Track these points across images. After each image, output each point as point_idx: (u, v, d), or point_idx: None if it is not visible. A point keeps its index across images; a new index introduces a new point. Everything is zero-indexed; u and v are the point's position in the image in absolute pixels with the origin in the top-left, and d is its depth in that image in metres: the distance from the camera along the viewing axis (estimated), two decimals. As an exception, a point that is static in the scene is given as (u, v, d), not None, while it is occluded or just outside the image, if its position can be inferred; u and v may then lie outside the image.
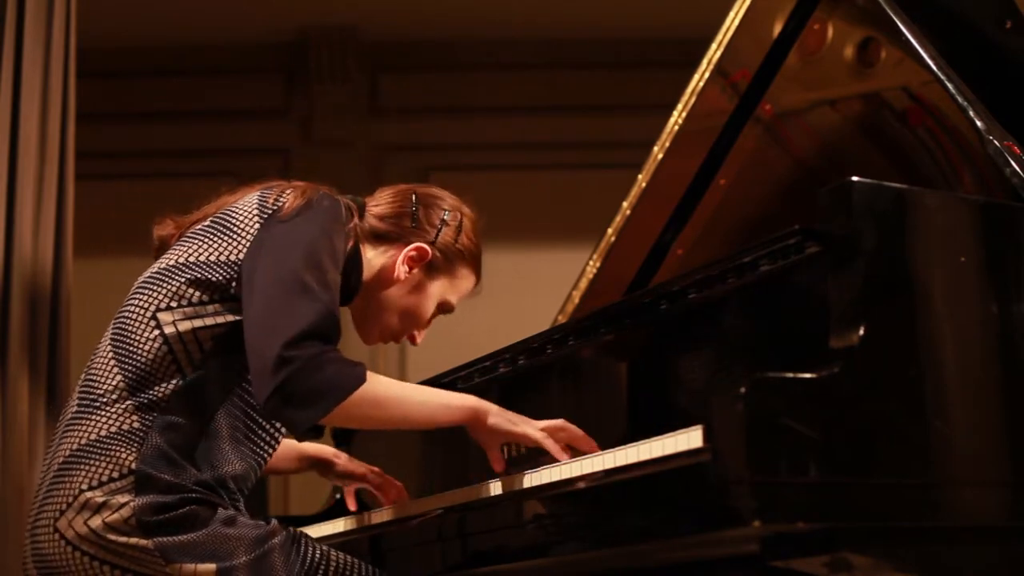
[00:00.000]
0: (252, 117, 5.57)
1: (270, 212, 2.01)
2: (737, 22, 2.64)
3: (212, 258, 1.99)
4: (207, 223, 2.06)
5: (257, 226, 2.00)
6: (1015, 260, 1.79)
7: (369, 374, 1.91)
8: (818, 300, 1.70)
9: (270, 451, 2.06)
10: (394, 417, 1.99)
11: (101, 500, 1.88)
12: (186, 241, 2.05)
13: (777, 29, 2.56)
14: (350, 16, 5.54)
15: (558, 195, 5.51)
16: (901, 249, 1.71)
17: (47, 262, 3.17)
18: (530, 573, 2.06)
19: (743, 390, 1.51)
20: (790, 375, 1.57)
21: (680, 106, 2.75)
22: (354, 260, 2.10)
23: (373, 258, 2.15)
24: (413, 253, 2.15)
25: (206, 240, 2.02)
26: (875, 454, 1.59)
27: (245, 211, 2.03)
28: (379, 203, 2.19)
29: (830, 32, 2.47)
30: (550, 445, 1.97)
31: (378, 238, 2.16)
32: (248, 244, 1.99)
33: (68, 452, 1.94)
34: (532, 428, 1.99)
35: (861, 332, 1.62)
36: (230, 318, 1.96)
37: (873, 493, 1.58)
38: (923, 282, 1.72)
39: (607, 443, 1.93)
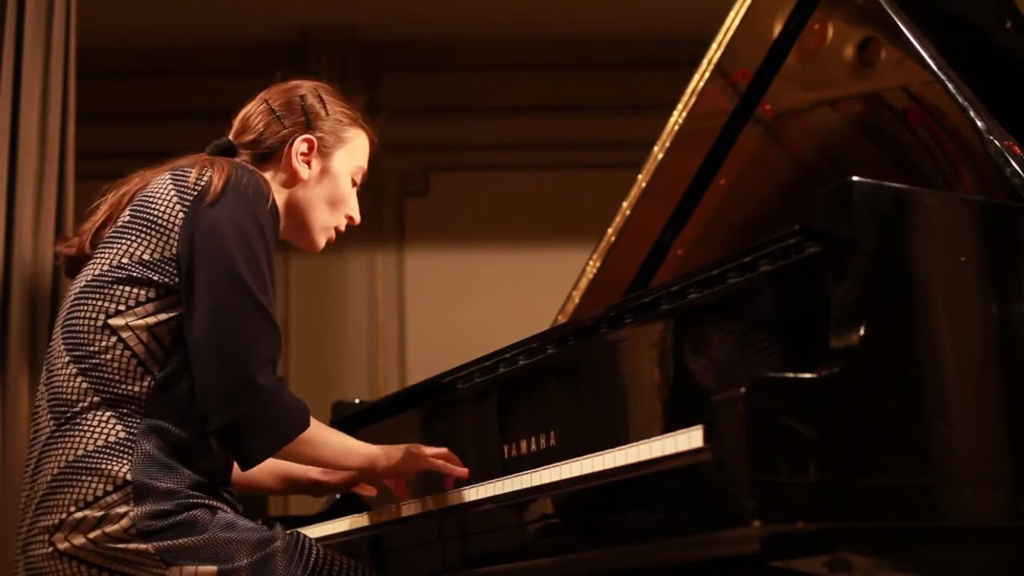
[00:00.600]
0: (252, 117, 5.56)
1: (192, 197, 1.99)
2: (737, 22, 2.64)
3: (147, 257, 1.97)
4: (127, 219, 2.03)
5: (181, 215, 1.98)
6: (1015, 260, 1.79)
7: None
8: (818, 300, 1.70)
9: None
10: (319, 457, 2.10)
11: (100, 514, 1.86)
12: (112, 242, 2.02)
13: (777, 29, 2.56)
14: (350, 16, 5.53)
15: (558, 195, 5.51)
16: (901, 249, 1.71)
17: (47, 262, 3.17)
18: (530, 573, 2.06)
19: (743, 390, 1.51)
20: (790, 375, 1.56)
21: (680, 106, 2.75)
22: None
23: (273, 179, 2.16)
24: (302, 147, 2.17)
25: (135, 238, 1.99)
26: (875, 454, 1.59)
27: (164, 200, 2.01)
28: (243, 130, 2.20)
29: (830, 32, 2.47)
30: (439, 465, 2.15)
31: (265, 159, 2.17)
32: (178, 236, 1.97)
33: (56, 470, 1.91)
34: (417, 460, 2.16)
35: (861, 332, 1.61)
36: (180, 310, 1.95)
37: (873, 493, 1.58)
38: (923, 282, 1.72)
39: (607, 443, 1.93)
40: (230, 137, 2.20)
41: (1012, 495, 1.71)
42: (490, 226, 5.55)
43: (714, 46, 2.68)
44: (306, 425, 1.98)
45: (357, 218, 2.26)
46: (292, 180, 2.17)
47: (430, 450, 2.18)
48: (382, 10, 5.44)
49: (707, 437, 1.55)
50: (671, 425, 1.95)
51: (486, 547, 1.98)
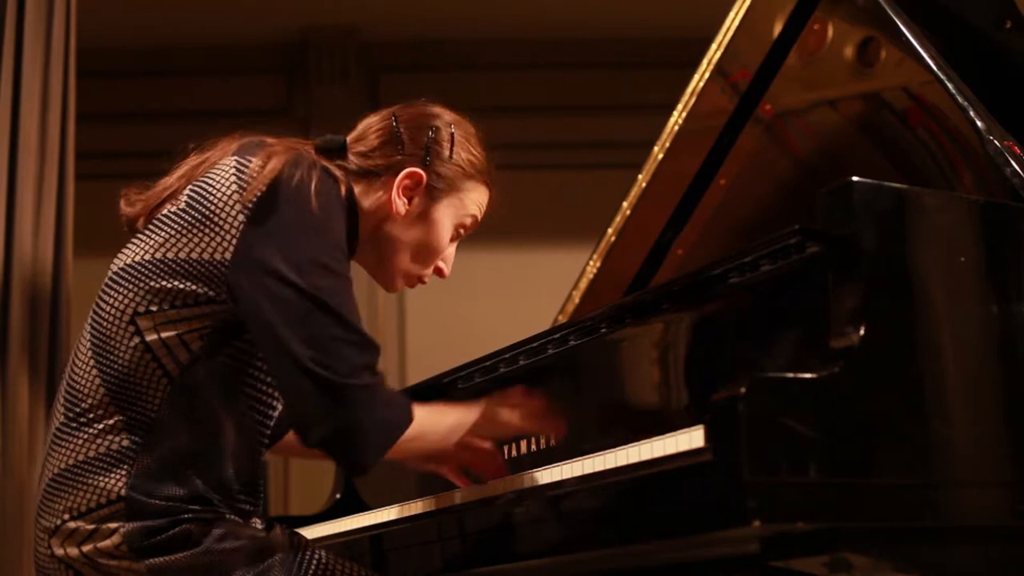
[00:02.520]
0: (252, 117, 5.55)
1: (257, 196, 1.82)
2: (737, 22, 2.63)
3: (194, 256, 1.82)
4: (182, 206, 1.87)
5: (241, 218, 1.82)
6: (1015, 260, 1.79)
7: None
8: (818, 300, 1.70)
9: (269, 429, 1.95)
10: (430, 447, 1.97)
11: (91, 528, 1.80)
12: (159, 228, 1.87)
13: (777, 29, 2.56)
14: (350, 16, 5.54)
15: (558, 195, 5.51)
16: (901, 249, 1.71)
17: (47, 262, 3.18)
18: (530, 573, 2.06)
19: (743, 390, 1.51)
20: (790, 375, 1.56)
21: (680, 106, 2.75)
22: (349, 210, 1.94)
23: (368, 199, 1.98)
24: (407, 182, 1.97)
25: (183, 232, 1.84)
26: (875, 454, 1.59)
27: (223, 195, 1.85)
28: (360, 138, 2.02)
29: (830, 32, 2.47)
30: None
31: (367, 175, 1.99)
32: (234, 242, 1.81)
33: (57, 470, 1.84)
34: (519, 421, 2.06)
35: (861, 332, 1.62)
36: (218, 317, 1.83)
37: (873, 493, 1.58)
38: (923, 282, 1.72)
39: (607, 443, 1.93)
40: (347, 138, 2.04)
41: (1012, 495, 1.71)
42: (490, 226, 5.55)
43: (714, 46, 2.68)
44: (409, 421, 1.83)
45: (447, 272, 2.07)
46: (386, 210, 1.98)
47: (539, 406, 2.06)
48: (382, 10, 5.45)
49: (708, 437, 1.55)
50: (672, 425, 1.95)
51: (486, 547, 1.98)
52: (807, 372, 1.57)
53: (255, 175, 1.84)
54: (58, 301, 3.18)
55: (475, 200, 2.06)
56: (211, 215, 1.84)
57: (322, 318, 1.77)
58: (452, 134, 2.02)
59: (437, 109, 2.05)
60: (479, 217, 2.08)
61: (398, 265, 2.03)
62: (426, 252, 2.03)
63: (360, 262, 2.05)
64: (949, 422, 1.66)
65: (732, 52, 2.65)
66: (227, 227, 1.82)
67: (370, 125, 2.04)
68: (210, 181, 1.88)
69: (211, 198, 1.85)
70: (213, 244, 1.82)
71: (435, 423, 1.97)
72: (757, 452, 1.50)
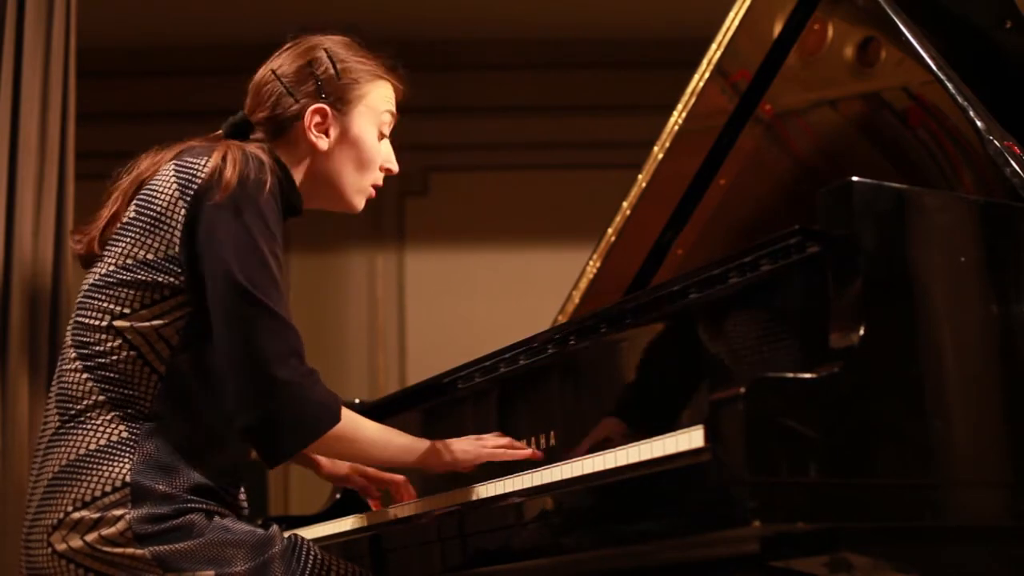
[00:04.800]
0: (252, 117, 5.56)
1: (193, 191, 1.93)
2: (737, 22, 2.64)
3: (151, 257, 1.93)
4: (132, 215, 1.98)
5: (184, 211, 1.92)
6: (1015, 260, 1.79)
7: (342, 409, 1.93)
8: (818, 300, 1.70)
9: None
10: (361, 454, 2.03)
11: (96, 516, 1.85)
12: (119, 239, 1.98)
13: (777, 29, 2.56)
14: (350, 16, 5.53)
15: (558, 195, 5.51)
16: (901, 249, 1.71)
17: (47, 262, 3.17)
18: (530, 573, 2.06)
19: (743, 390, 1.51)
20: (790, 375, 1.56)
21: (680, 106, 2.75)
22: (283, 172, 2.03)
23: (292, 153, 2.08)
24: (315, 119, 2.07)
25: (137, 237, 1.95)
26: (875, 454, 1.59)
27: (166, 194, 1.95)
28: (256, 106, 2.12)
29: (830, 32, 2.47)
30: (500, 454, 2.09)
31: (279, 134, 2.08)
32: (180, 233, 1.92)
33: (57, 468, 1.90)
34: (479, 449, 2.09)
35: (861, 332, 1.62)
36: (188, 309, 1.92)
37: (873, 493, 1.58)
38: (923, 282, 1.72)
39: (607, 443, 1.93)
40: (245, 112, 2.13)
41: (1012, 495, 1.71)
42: (490, 226, 5.55)
43: (714, 46, 2.68)
44: (335, 420, 1.89)
45: (395, 168, 2.15)
46: (312, 152, 2.08)
47: (490, 441, 2.11)
48: (382, 10, 5.45)
49: (708, 437, 1.55)
50: (672, 425, 1.95)
51: (486, 547, 1.98)
52: (807, 372, 1.58)
53: (200, 170, 1.94)
54: (58, 301, 3.18)
55: (382, 97, 2.14)
56: (159, 217, 1.95)
57: (254, 314, 1.86)
58: (329, 56, 2.11)
59: (305, 42, 2.16)
60: (394, 109, 2.15)
61: (349, 187, 2.12)
62: (363, 165, 2.11)
63: (315, 206, 2.13)
64: (949, 422, 1.66)
65: (732, 52, 2.66)
66: (172, 224, 1.93)
67: (258, 87, 2.12)
68: (153, 187, 1.99)
69: (156, 202, 1.97)
70: (163, 243, 1.94)
71: (373, 433, 2.00)
72: (757, 452, 1.50)
